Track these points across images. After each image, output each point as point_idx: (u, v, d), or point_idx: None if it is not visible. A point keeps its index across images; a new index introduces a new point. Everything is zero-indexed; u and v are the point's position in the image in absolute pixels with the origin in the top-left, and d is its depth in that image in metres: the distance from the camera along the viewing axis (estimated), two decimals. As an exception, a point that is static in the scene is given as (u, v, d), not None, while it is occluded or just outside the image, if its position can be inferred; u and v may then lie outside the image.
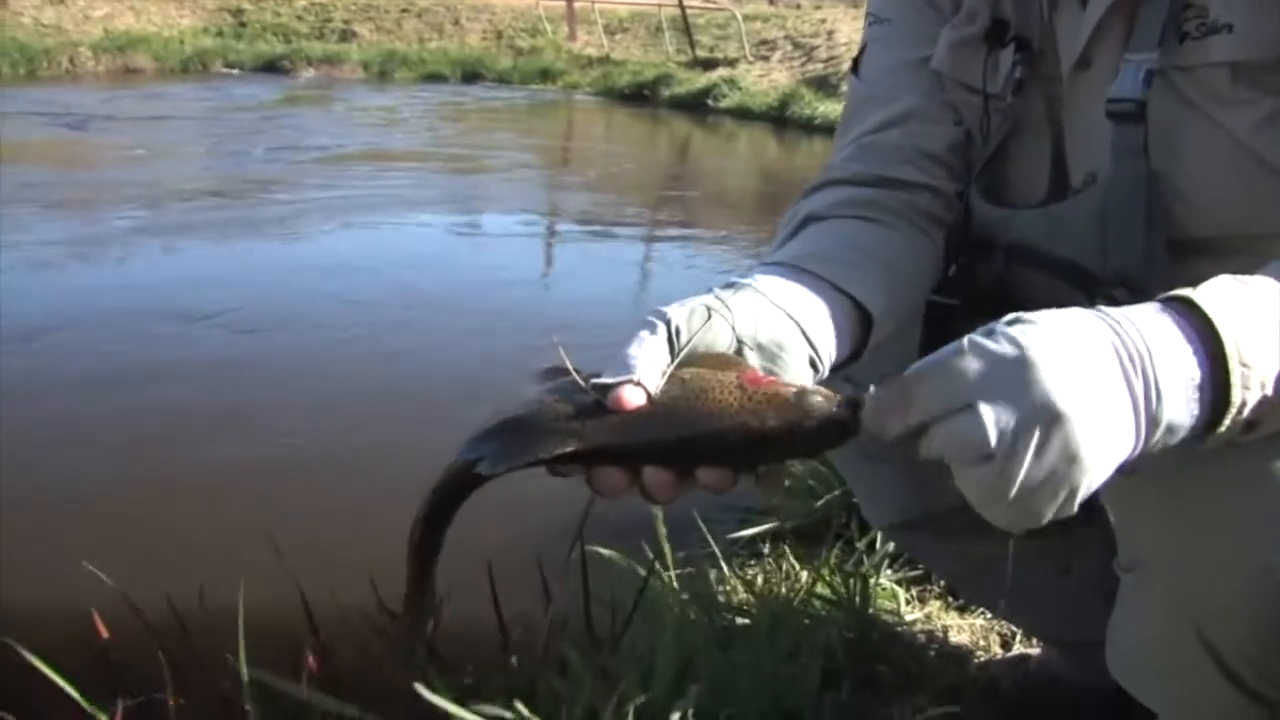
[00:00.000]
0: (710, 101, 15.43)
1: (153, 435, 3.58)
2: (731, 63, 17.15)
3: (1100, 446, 0.76)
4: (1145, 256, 1.06)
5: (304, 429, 3.59)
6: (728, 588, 2.14)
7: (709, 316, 0.92)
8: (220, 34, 23.62)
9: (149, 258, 6.23)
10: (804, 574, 2.15)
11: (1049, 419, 0.75)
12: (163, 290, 5.46)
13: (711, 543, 2.21)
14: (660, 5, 19.61)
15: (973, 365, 0.77)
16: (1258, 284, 0.86)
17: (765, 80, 15.92)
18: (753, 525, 2.48)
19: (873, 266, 1.11)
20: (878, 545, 2.13)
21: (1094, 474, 0.77)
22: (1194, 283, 0.87)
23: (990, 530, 0.83)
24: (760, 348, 0.94)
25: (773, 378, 0.88)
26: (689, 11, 18.63)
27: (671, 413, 0.84)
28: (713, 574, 2.17)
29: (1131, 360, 0.79)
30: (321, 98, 16.11)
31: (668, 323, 0.90)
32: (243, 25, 24.23)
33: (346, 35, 23.40)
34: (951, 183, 1.28)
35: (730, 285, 0.98)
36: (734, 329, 0.93)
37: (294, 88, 17.46)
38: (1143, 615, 1.04)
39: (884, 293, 1.09)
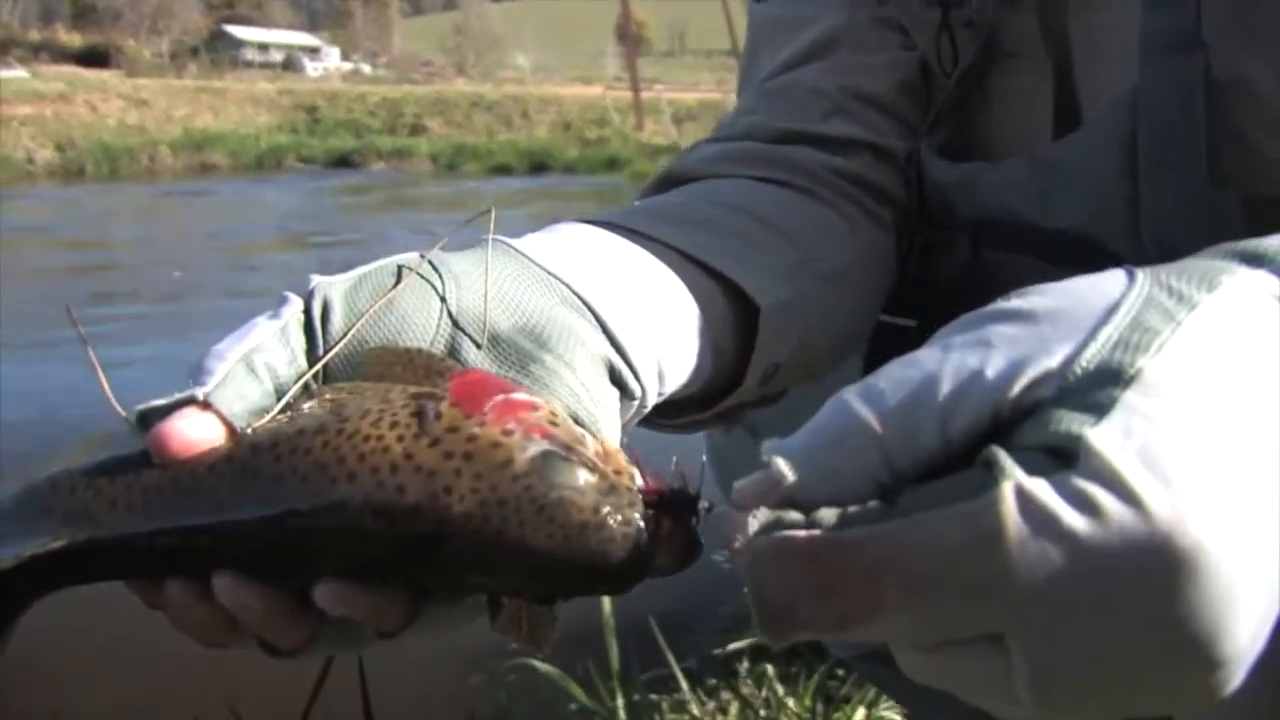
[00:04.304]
0: (777, 185, 15.34)
1: None
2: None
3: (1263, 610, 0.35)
4: (1209, 224, 0.63)
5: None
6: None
7: (396, 283, 0.52)
8: (295, 130, 24.25)
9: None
10: (789, 701, 1.81)
11: (1188, 683, 0.36)
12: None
13: (672, 663, 1.83)
14: (727, 94, 19.78)
15: (1023, 560, 0.33)
16: None
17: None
18: (736, 636, 2.10)
19: (771, 240, 0.71)
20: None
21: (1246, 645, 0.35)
22: None
23: None
24: (499, 342, 0.52)
25: (513, 398, 0.46)
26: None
27: (262, 461, 0.45)
28: (676, 700, 1.84)
29: None
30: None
31: (308, 296, 0.51)
32: (316, 121, 24.90)
33: (417, 129, 23.88)
34: (903, 138, 0.85)
35: (468, 245, 0.58)
36: (446, 306, 0.52)
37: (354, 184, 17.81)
38: None
39: (788, 282, 0.69)
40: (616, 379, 0.55)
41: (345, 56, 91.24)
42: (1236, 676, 0.35)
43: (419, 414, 0.44)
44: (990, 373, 0.36)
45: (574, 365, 0.52)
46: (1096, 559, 0.32)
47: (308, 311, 0.51)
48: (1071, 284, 0.40)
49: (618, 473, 0.44)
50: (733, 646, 2.06)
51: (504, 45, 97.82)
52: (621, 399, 0.56)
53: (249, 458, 0.45)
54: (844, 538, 0.35)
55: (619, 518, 0.43)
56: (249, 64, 77.65)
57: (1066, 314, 0.38)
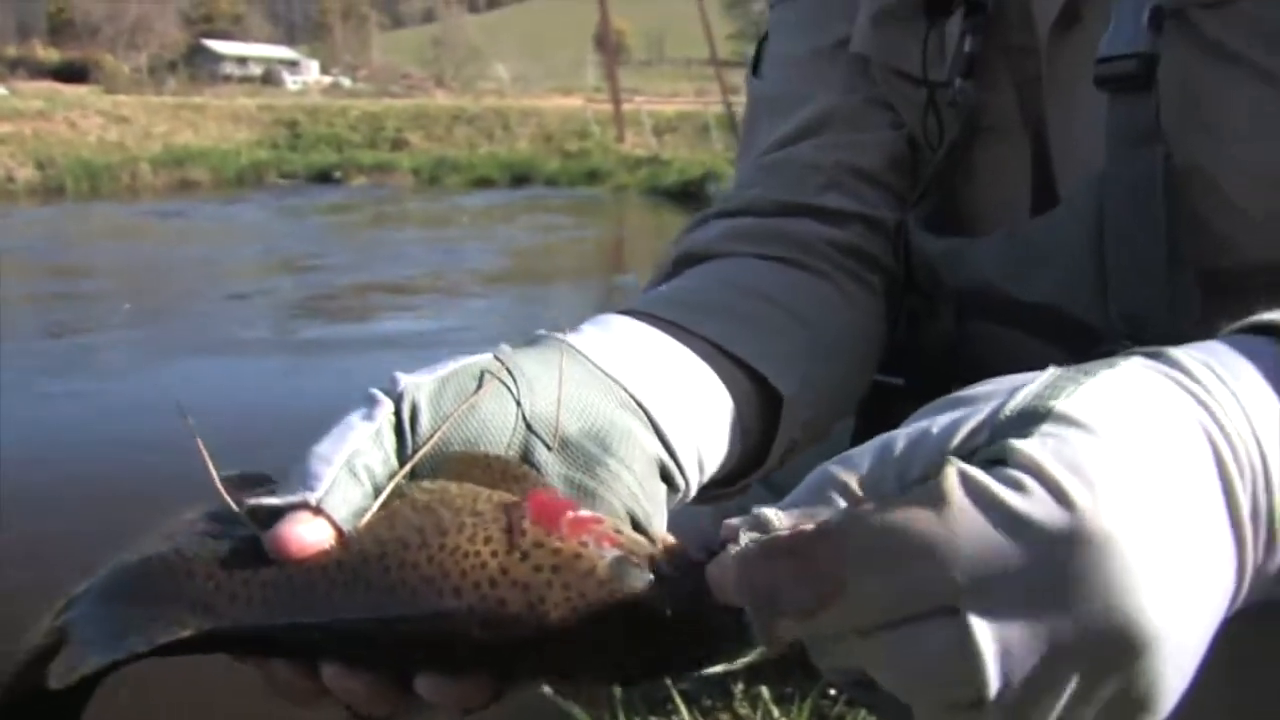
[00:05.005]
0: (757, 197, 15.33)
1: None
2: (779, 158, 17.08)
3: (1188, 665, 0.43)
4: (1168, 297, 0.70)
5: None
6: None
7: (478, 387, 0.56)
8: (276, 146, 24.18)
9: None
10: (783, 722, 1.87)
11: (1113, 656, 0.41)
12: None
13: (669, 684, 1.90)
14: (706, 105, 19.80)
15: (968, 535, 0.41)
16: None
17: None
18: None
19: (786, 324, 0.77)
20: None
21: (1167, 704, 0.43)
22: None
23: None
24: (567, 446, 0.57)
25: (580, 514, 0.52)
26: (736, 109, 18.71)
27: (372, 571, 0.50)
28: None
29: (1239, 468, 0.43)
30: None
31: (398, 398, 0.55)
32: (297, 137, 24.83)
33: (398, 144, 23.83)
34: (893, 210, 0.90)
35: (533, 339, 0.63)
36: (521, 410, 0.57)
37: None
38: None
39: (802, 364, 0.74)
40: (666, 475, 0.61)
41: (325, 70, 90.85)
42: (1160, 660, 0.41)
43: (508, 530, 0.50)
44: (936, 430, 0.44)
45: (633, 468, 0.58)
46: (1027, 529, 0.39)
47: (398, 413, 0.55)
48: (1002, 377, 0.48)
49: (678, 567, 0.51)
50: (727, 668, 2.08)
51: (483, 56, 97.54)
52: (668, 492, 0.61)
53: (360, 566, 0.50)
54: (815, 527, 0.42)
55: (687, 609, 0.49)
56: (228, 78, 77.24)
57: (995, 391, 0.46)
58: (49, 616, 0.54)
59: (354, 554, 0.50)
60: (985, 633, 0.40)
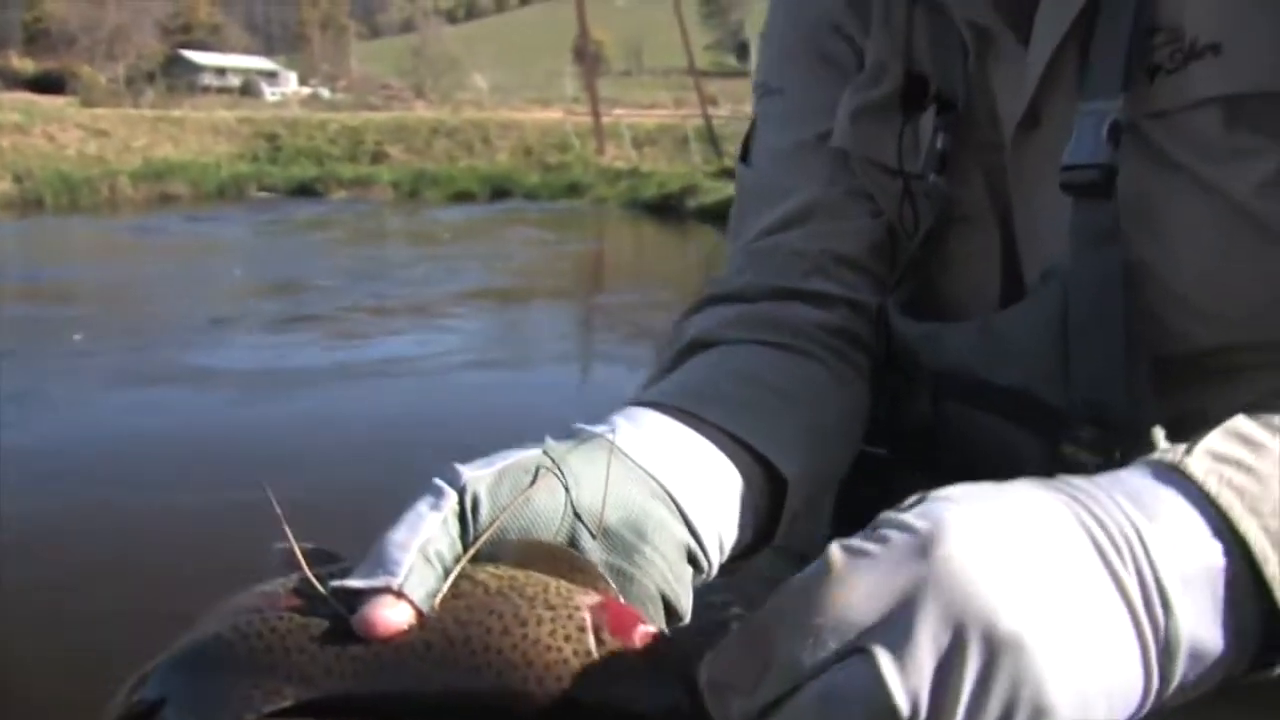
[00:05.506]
0: (737, 210, 15.34)
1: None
2: (758, 171, 17.11)
3: (1084, 679, 0.49)
4: (1126, 384, 0.77)
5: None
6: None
7: (531, 481, 0.63)
8: (256, 159, 24.11)
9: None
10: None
11: (991, 649, 0.48)
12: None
13: None
14: (685, 117, 19.83)
15: (854, 586, 0.49)
16: None
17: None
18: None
19: (784, 408, 0.84)
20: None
21: (1062, 698, 0.49)
22: (1194, 418, 0.60)
23: None
24: (608, 534, 0.65)
25: (649, 628, 0.59)
26: (714, 121, 18.79)
27: (459, 652, 0.56)
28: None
29: (1114, 543, 0.51)
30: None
31: (461, 490, 0.62)
32: (277, 150, 24.74)
33: (378, 157, 23.79)
34: (875, 293, 0.98)
35: (574, 433, 0.70)
36: (570, 502, 0.64)
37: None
38: None
39: (801, 445, 0.82)
40: (692, 559, 0.69)
41: (303, 80, 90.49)
42: (1031, 653, 0.48)
43: (584, 630, 0.56)
44: None
45: (665, 555, 0.66)
46: (890, 560, 0.49)
47: (460, 503, 0.61)
48: None
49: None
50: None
51: (461, 67, 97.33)
52: (694, 574, 0.70)
53: (446, 646, 0.55)
54: (740, 627, 0.52)
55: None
56: (206, 89, 76.65)
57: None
58: (124, 694, 0.57)
59: (439, 633, 0.56)
60: (887, 659, 0.48)
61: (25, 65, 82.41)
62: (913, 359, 0.94)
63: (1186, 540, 0.52)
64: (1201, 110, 0.75)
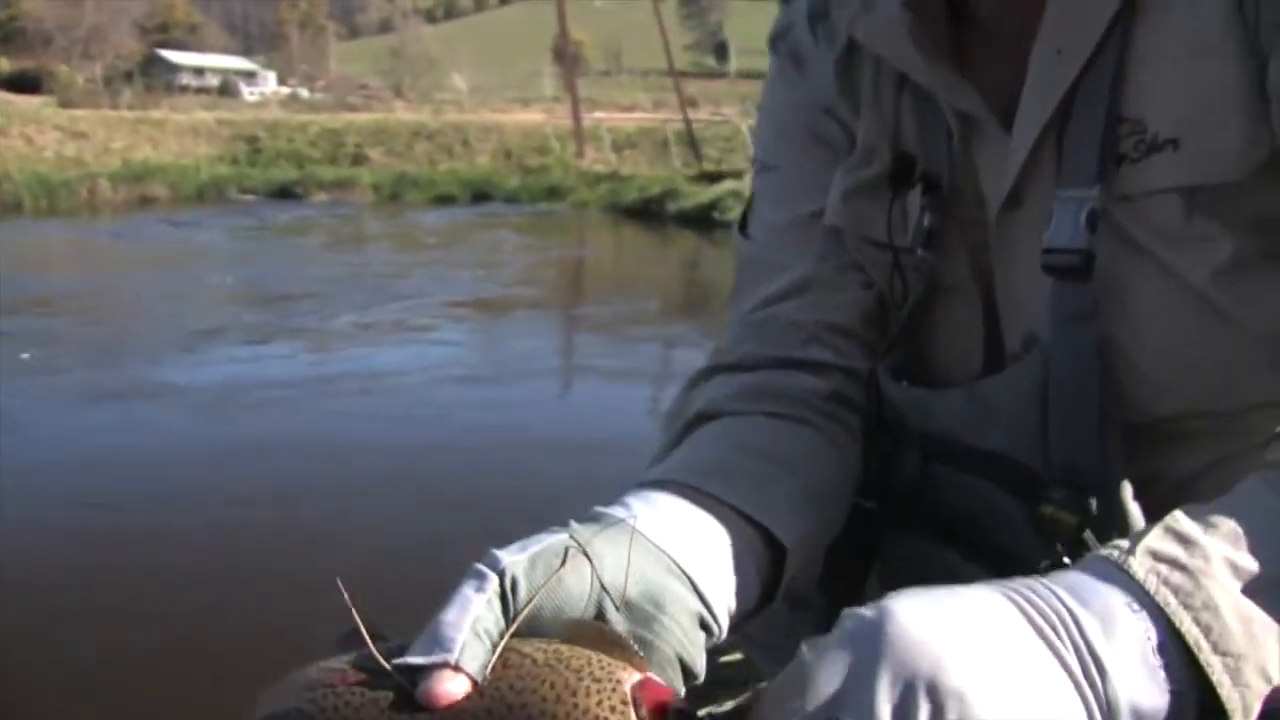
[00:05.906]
0: (717, 214, 15.23)
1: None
2: (738, 175, 17.03)
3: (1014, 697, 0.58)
4: (1099, 450, 0.86)
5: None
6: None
7: (561, 563, 0.72)
8: (235, 161, 24.05)
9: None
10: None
11: (938, 700, 0.57)
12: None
13: None
14: (665, 121, 19.88)
15: (821, 670, 0.60)
16: (1224, 527, 0.67)
17: (771, 192, 15.96)
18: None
19: (782, 475, 0.92)
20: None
21: None
22: (1153, 480, 0.70)
23: None
24: (630, 606, 0.73)
25: (682, 706, 0.65)
26: (694, 125, 18.85)
27: (516, 717, 0.63)
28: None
29: (1048, 621, 0.60)
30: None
31: (501, 573, 0.69)
32: (258, 152, 24.68)
33: (359, 159, 23.76)
34: (867, 360, 1.05)
35: (595, 516, 0.79)
36: (596, 580, 0.72)
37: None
38: None
39: (799, 510, 0.90)
40: (704, 625, 0.77)
41: (282, 80, 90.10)
42: (969, 695, 0.56)
43: (626, 703, 0.63)
44: None
45: (680, 623, 0.75)
46: (844, 649, 0.59)
47: (501, 584, 0.69)
48: None
49: None
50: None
51: (441, 67, 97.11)
52: (706, 637, 0.78)
53: (505, 713, 0.62)
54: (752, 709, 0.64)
55: None
56: (184, 89, 76.20)
57: None
58: None
59: (497, 700, 0.63)
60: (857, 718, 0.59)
61: (1, 65, 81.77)
62: (902, 422, 1.01)
63: (1119, 619, 0.61)
64: (1163, 198, 0.82)
